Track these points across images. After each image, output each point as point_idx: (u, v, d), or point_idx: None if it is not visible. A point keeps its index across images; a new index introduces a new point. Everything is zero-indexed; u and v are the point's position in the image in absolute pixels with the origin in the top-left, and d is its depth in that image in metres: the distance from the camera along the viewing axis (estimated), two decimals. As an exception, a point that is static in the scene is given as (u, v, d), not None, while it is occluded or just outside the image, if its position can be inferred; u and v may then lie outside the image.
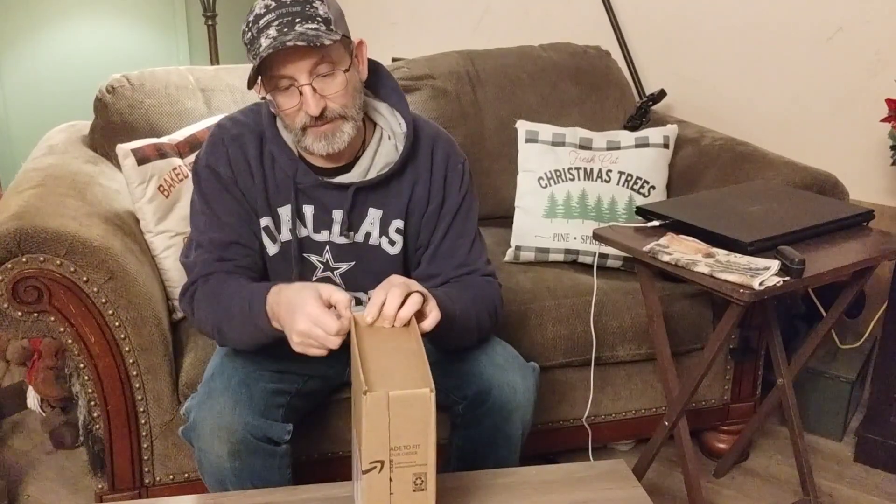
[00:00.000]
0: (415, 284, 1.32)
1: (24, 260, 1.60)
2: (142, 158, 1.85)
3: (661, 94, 2.54)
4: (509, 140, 2.31)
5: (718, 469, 2.23)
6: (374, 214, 1.56)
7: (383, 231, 1.57)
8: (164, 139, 1.96)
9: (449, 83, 2.42)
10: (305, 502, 1.36)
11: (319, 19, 1.39)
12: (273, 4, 1.39)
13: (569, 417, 2.08)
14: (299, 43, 1.34)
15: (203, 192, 1.54)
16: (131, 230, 1.84)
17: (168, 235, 1.87)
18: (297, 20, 1.37)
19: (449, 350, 1.54)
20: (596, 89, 2.52)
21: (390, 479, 1.15)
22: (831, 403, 2.37)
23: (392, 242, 1.58)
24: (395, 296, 1.27)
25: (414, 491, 1.16)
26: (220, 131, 1.55)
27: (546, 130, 2.25)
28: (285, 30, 1.37)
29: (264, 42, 1.37)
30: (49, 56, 3.23)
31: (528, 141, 2.24)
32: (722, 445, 2.26)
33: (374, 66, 1.57)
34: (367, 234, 1.57)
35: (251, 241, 1.54)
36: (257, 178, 1.53)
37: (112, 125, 2.09)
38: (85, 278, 1.63)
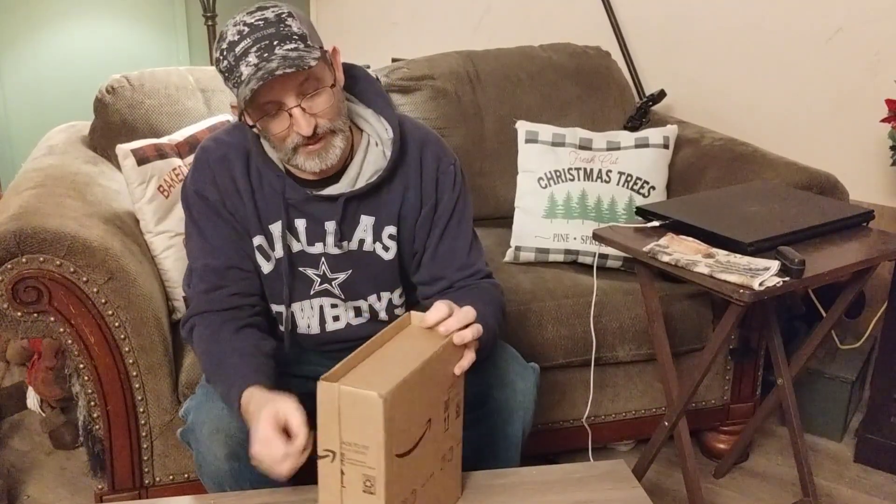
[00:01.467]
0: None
1: (23, 260, 1.60)
2: (141, 159, 1.86)
3: (661, 94, 2.54)
4: (509, 140, 2.31)
5: (718, 469, 2.23)
6: (366, 221, 1.54)
7: (376, 237, 1.56)
8: (163, 139, 1.96)
9: (449, 83, 2.42)
10: (305, 502, 1.35)
11: (296, 37, 1.35)
12: (246, 30, 1.35)
13: (569, 418, 2.08)
14: (288, 70, 1.30)
15: (193, 217, 1.53)
16: (131, 230, 1.84)
17: (168, 235, 1.87)
18: (275, 42, 1.34)
19: None
20: (596, 89, 2.52)
21: (342, 472, 1.15)
22: (831, 403, 2.37)
23: (386, 248, 1.57)
24: (466, 317, 1.26)
25: (364, 492, 1.15)
26: (204, 154, 1.53)
27: (546, 131, 2.25)
28: (266, 55, 1.33)
29: (245, 70, 1.34)
30: (49, 56, 3.23)
31: (527, 141, 2.24)
32: (722, 446, 2.26)
33: (353, 71, 1.54)
34: (361, 241, 1.55)
35: (244, 263, 1.53)
36: (246, 198, 1.51)
37: (112, 125, 2.09)
38: (85, 279, 1.63)
